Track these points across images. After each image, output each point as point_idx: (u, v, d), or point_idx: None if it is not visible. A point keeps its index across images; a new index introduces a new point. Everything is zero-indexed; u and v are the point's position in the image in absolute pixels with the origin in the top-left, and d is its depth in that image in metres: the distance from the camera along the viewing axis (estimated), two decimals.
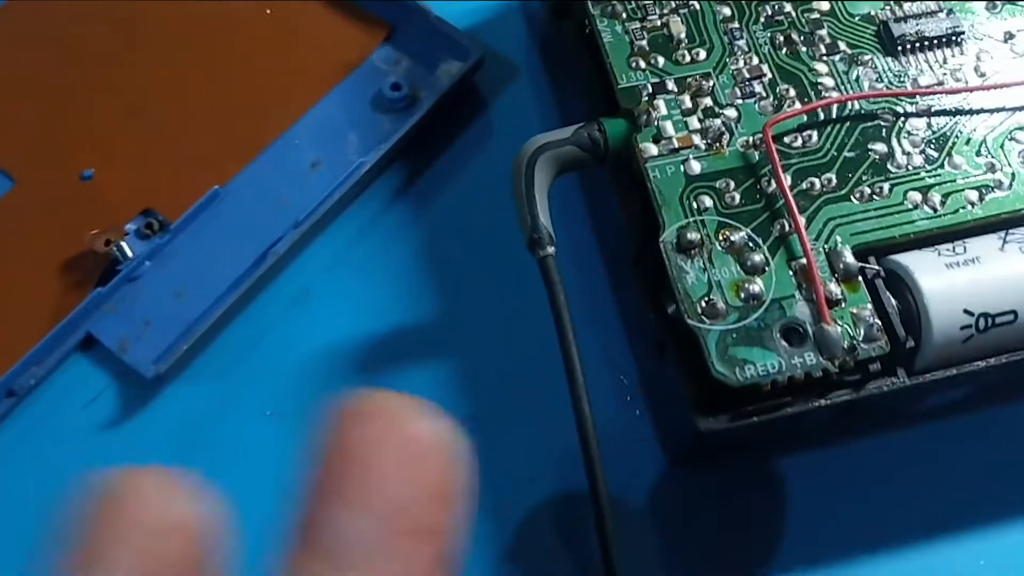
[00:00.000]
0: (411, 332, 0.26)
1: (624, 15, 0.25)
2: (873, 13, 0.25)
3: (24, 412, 0.25)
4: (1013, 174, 0.23)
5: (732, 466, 0.25)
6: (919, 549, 0.24)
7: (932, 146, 0.23)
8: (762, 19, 0.25)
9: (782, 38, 0.24)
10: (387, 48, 0.29)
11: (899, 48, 0.24)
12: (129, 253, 0.26)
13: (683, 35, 0.24)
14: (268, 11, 0.30)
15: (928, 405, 0.24)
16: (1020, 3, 0.25)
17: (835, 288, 0.21)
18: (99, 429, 0.25)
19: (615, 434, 0.24)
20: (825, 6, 0.25)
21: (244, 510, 0.23)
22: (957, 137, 0.23)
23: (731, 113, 0.23)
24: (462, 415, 0.24)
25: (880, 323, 0.21)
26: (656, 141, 0.23)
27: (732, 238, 0.22)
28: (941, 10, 0.25)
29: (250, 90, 0.29)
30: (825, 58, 0.24)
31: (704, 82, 0.24)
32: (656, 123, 0.23)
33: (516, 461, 0.25)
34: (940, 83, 0.24)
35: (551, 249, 0.22)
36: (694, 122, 0.23)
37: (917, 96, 0.24)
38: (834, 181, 0.23)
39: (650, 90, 0.24)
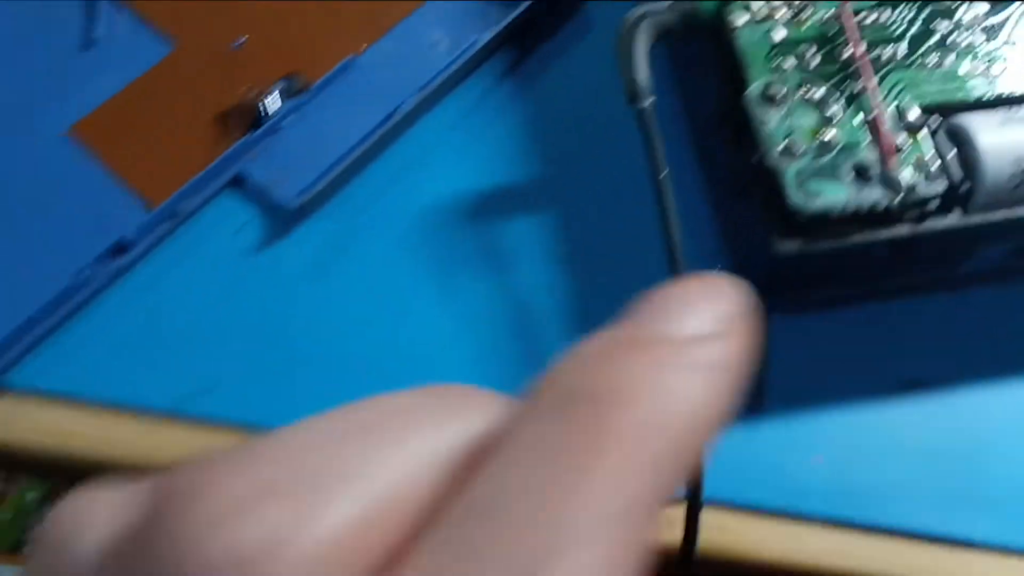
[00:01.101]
0: (517, 188, 0.29)
1: None
2: None
3: (183, 234, 0.28)
4: None
5: (796, 314, 0.27)
6: (951, 395, 0.26)
7: (991, 27, 0.25)
8: None
9: None
10: None
11: None
12: (274, 107, 0.29)
13: None
14: None
15: (976, 265, 0.26)
16: None
17: (901, 137, 0.24)
18: (246, 253, 0.28)
19: None
20: None
21: (368, 327, 0.27)
22: (1015, 18, 0.25)
23: None
24: (559, 256, 0.28)
25: (939, 167, 0.24)
26: (745, 11, 0.25)
27: (810, 94, 0.24)
28: None
29: None
30: None
31: None
32: None
33: (610, 303, 0.27)
34: None
35: (648, 101, 0.25)
36: None
37: None
38: (903, 51, 0.25)
39: None
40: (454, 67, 0.30)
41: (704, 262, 0.27)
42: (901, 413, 0.26)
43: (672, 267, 0.24)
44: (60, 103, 0.29)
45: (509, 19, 0.30)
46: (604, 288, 0.27)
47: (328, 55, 0.30)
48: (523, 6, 0.30)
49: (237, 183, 0.29)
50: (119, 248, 0.27)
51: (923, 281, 0.27)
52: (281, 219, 0.28)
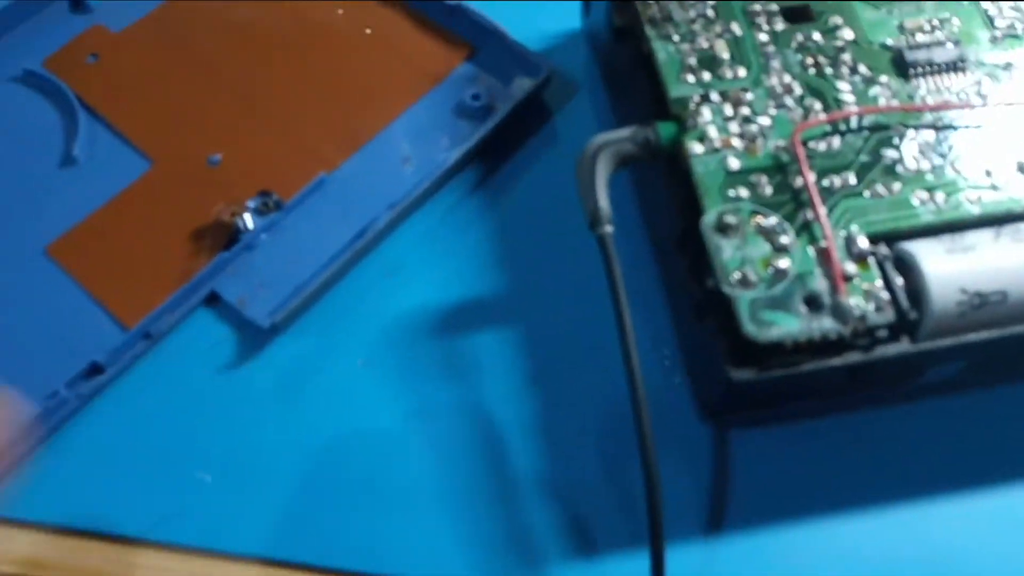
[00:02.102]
0: (484, 301, 0.29)
1: (676, 37, 0.28)
2: (890, 42, 0.28)
3: (157, 354, 0.28)
4: (1007, 179, 0.25)
5: (757, 422, 0.27)
6: (912, 506, 0.26)
7: (937, 153, 0.26)
8: (794, 44, 0.27)
9: (811, 60, 0.27)
10: (469, 64, 0.33)
11: (911, 72, 0.27)
12: (249, 225, 0.29)
13: (726, 55, 0.27)
14: (368, 30, 0.33)
15: (927, 379, 0.26)
16: (1019, 36, 0.28)
17: (850, 267, 0.24)
18: (219, 371, 0.28)
19: (656, 397, 0.26)
20: (848, 35, 0.28)
21: (337, 446, 0.27)
22: (959, 146, 0.26)
23: (765, 121, 0.26)
24: (525, 372, 0.28)
25: (888, 297, 0.24)
26: (701, 141, 0.26)
27: (763, 222, 0.25)
28: (949, 40, 0.27)
29: (352, 96, 0.32)
30: (847, 78, 0.27)
31: (743, 94, 0.27)
32: (701, 127, 0.26)
33: (569, 414, 0.27)
34: (945, 102, 0.27)
35: (609, 228, 0.25)
36: (734, 127, 0.26)
37: (925, 111, 0.26)
38: (852, 180, 0.25)
39: (697, 100, 0.27)
40: (424, 185, 0.30)
41: (664, 375, 0.28)
42: (861, 527, 0.26)
43: (631, 387, 0.24)
44: (38, 221, 0.30)
45: (477, 138, 0.31)
46: (569, 401, 0.27)
47: (300, 173, 0.30)
48: (491, 124, 0.31)
49: (211, 300, 0.29)
50: (93, 370, 0.27)
51: (878, 395, 0.27)
52: (254, 337, 0.28)
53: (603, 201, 0.26)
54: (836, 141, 0.26)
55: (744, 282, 0.24)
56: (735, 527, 0.26)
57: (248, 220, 0.29)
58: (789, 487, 0.26)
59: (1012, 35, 0.28)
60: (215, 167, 0.31)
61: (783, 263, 0.24)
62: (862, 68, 0.27)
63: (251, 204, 0.30)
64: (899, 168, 0.26)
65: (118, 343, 0.27)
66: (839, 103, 0.26)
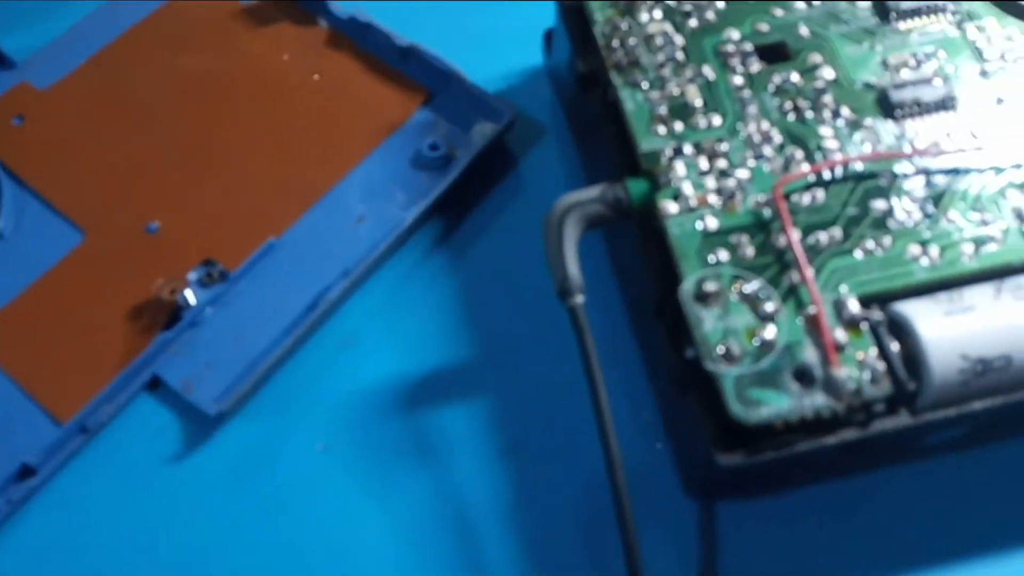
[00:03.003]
0: (449, 372, 0.27)
1: (644, 84, 0.25)
2: (874, 81, 0.25)
3: (95, 448, 0.26)
4: (1006, 228, 0.23)
5: (747, 498, 0.25)
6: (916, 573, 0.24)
7: (929, 203, 0.24)
8: (771, 87, 0.25)
9: (790, 104, 0.25)
10: (426, 111, 0.30)
11: (897, 113, 0.25)
12: (192, 300, 0.27)
13: (699, 102, 0.25)
14: (316, 76, 0.31)
15: (929, 442, 0.24)
16: (1015, 66, 0.26)
17: (841, 334, 0.22)
18: (164, 463, 0.25)
19: (636, 466, 0.24)
20: (829, 74, 0.25)
21: (291, 533, 0.25)
22: (952, 194, 0.24)
23: (744, 174, 0.24)
24: (496, 449, 0.26)
25: (884, 367, 0.22)
26: (675, 199, 0.24)
27: (746, 288, 0.23)
28: (937, 76, 0.25)
29: (301, 150, 0.30)
30: (829, 122, 0.25)
31: (719, 145, 0.24)
32: (675, 183, 0.24)
33: (545, 493, 0.25)
34: (936, 144, 0.24)
35: (580, 298, 0.23)
36: (710, 182, 0.24)
37: (915, 157, 0.24)
38: (839, 236, 0.23)
39: (669, 153, 0.24)
40: (380, 248, 0.28)
41: (645, 440, 0.26)
42: None
43: (609, 471, 0.22)
44: None
45: (436, 193, 0.28)
46: (542, 479, 0.25)
47: (246, 238, 0.28)
48: (451, 177, 0.29)
49: (154, 386, 0.27)
50: (24, 472, 0.25)
51: (872, 464, 0.25)
52: (201, 423, 0.26)
53: (573, 268, 0.23)
54: (820, 193, 0.24)
55: (728, 357, 0.22)
56: None
57: (190, 296, 0.27)
58: (782, 561, 0.24)
59: (1003, 67, 0.26)
60: (153, 235, 0.28)
61: (769, 333, 0.22)
62: (845, 111, 0.25)
63: (193, 276, 0.27)
64: (890, 221, 0.24)
65: (51, 440, 0.25)
66: (822, 151, 0.24)
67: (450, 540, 0.24)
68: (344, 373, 0.27)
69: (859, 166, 0.24)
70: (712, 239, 0.23)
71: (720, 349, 0.22)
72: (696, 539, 0.25)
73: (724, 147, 0.24)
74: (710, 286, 0.23)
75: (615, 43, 0.26)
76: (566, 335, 0.25)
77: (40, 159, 0.29)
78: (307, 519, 0.25)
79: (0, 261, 0.28)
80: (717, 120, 0.25)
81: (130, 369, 0.26)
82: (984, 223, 0.24)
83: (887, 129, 0.25)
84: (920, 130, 0.25)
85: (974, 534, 0.25)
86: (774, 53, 0.26)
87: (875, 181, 0.24)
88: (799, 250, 0.23)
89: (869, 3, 0.27)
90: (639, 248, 0.24)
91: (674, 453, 0.25)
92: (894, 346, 0.22)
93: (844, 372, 0.22)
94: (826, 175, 0.24)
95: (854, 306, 0.22)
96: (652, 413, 0.26)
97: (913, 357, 0.22)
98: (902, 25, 0.27)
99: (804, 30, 0.26)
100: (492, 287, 0.28)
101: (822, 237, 0.23)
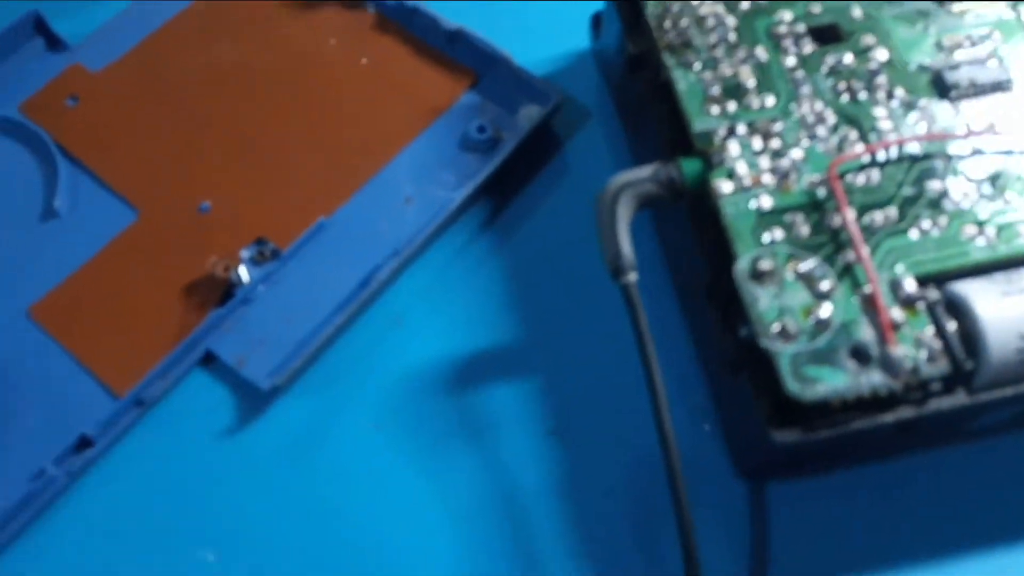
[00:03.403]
0: (496, 352, 0.27)
1: (697, 65, 0.25)
2: (928, 62, 0.25)
3: (151, 421, 0.26)
4: None
5: (800, 479, 0.25)
6: (974, 556, 0.24)
7: (985, 183, 0.24)
8: (824, 68, 0.25)
9: (843, 85, 0.25)
10: (473, 94, 0.30)
11: (952, 94, 0.25)
12: (246, 277, 0.27)
13: (752, 83, 0.25)
14: (364, 61, 0.31)
15: (983, 423, 0.24)
16: None
17: (898, 313, 0.22)
18: (217, 437, 0.26)
19: (685, 448, 0.23)
20: (883, 56, 0.25)
21: (342, 508, 0.25)
22: (1008, 175, 0.24)
23: (798, 154, 0.24)
24: (543, 429, 0.26)
25: (940, 346, 0.22)
26: (729, 178, 0.24)
27: (801, 267, 0.22)
28: (993, 57, 0.25)
29: (350, 132, 0.30)
30: (884, 103, 0.25)
31: (772, 125, 0.24)
32: (729, 163, 0.24)
33: (594, 473, 0.25)
34: (991, 125, 0.24)
35: (634, 276, 0.23)
36: (764, 162, 0.24)
37: (970, 137, 0.24)
38: (895, 216, 0.23)
39: (723, 133, 0.24)
40: (429, 227, 0.28)
41: (693, 423, 0.25)
42: None
43: (664, 449, 0.22)
44: (18, 280, 0.27)
45: (484, 174, 0.28)
46: (590, 459, 0.25)
47: (297, 218, 0.28)
48: (498, 158, 0.29)
49: (208, 361, 0.27)
50: (82, 444, 0.25)
51: (925, 444, 0.25)
52: (253, 398, 0.26)
53: (626, 247, 0.23)
54: (875, 174, 0.24)
55: (784, 335, 0.22)
56: None
57: (243, 272, 0.27)
58: (834, 543, 0.24)
59: None
60: (206, 215, 0.28)
61: (825, 312, 0.22)
62: (899, 92, 0.25)
63: (246, 254, 0.27)
64: (945, 201, 0.23)
65: (108, 413, 0.25)
66: (876, 132, 0.24)
67: (499, 518, 0.25)
68: (393, 352, 0.27)
69: (914, 147, 0.24)
70: (766, 218, 0.23)
71: (776, 327, 0.22)
72: (746, 521, 0.24)
73: (778, 127, 0.24)
74: (765, 264, 0.22)
75: (667, 24, 0.26)
76: (612, 316, 0.25)
77: (94, 139, 0.30)
78: (357, 494, 0.25)
79: (56, 238, 0.28)
80: (770, 100, 0.25)
81: (184, 344, 0.26)
82: None
83: (942, 110, 0.25)
84: (975, 111, 0.25)
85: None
86: (827, 34, 0.26)
87: (930, 162, 0.24)
88: (855, 229, 0.23)
89: None
90: (691, 229, 0.24)
91: (725, 435, 0.25)
92: (951, 325, 0.22)
93: (901, 350, 0.21)
94: (881, 156, 0.24)
95: (910, 285, 0.22)
96: (701, 397, 0.26)
97: (970, 336, 0.22)
98: (956, 7, 0.26)
99: (857, 12, 0.26)
100: (538, 269, 0.28)
101: (877, 217, 0.23)
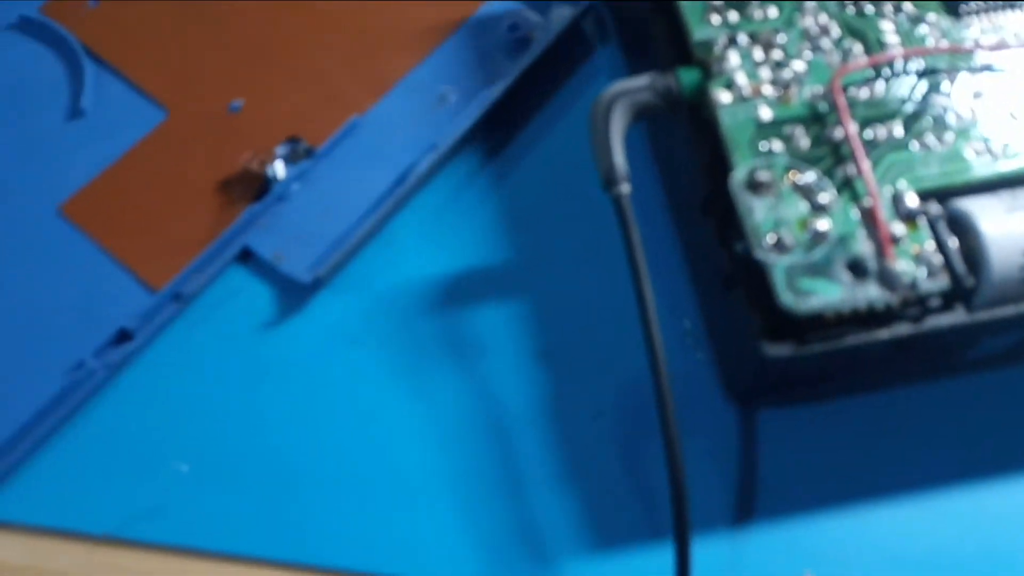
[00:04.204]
0: (491, 272, 0.19)
1: None
2: None
3: (190, 316, 0.19)
4: None
5: (788, 404, 0.17)
6: (959, 492, 0.16)
7: (991, 99, 0.16)
8: None
9: None
10: None
11: (962, 9, 0.17)
12: (281, 173, 0.19)
13: None
14: None
15: (981, 351, 0.17)
16: None
17: (898, 227, 0.15)
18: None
19: (676, 374, 0.16)
20: None
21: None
22: (1016, 92, 0.16)
23: (800, 66, 0.16)
24: (532, 351, 0.18)
25: (940, 261, 0.14)
26: (728, 88, 0.16)
27: (799, 179, 0.15)
28: None
29: (379, 32, 0.22)
30: (890, 16, 0.17)
31: (775, 36, 0.17)
32: (728, 73, 0.16)
33: (583, 396, 0.18)
34: (1001, 41, 0.16)
35: (627, 187, 0.16)
36: (764, 72, 0.16)
37: (978, 51, 0.16)
38: (897, 130, 0.16)
39: (723, 43, 0.17)
40: (466, 124, 0.20)
41: (685, 350, 0.18)
42: (904, 516, 0.16)
43: (652, 366, 0.15)
44: (48, 179, 0.20)
45: (519, 70, 0.20)
46: (578, 382, 0.17)
47: (329, 117, 0.20)
48: (532, 55, 0.20)
49: (245, 258, 0.19)
50: (121, 337, 0.18)
51: (921, 371, 0.17)
52: (291, 293, 0.19)
53: (619, 158, 0.16)
54: (880, 87, 0.16)
55: (779, 246, 0.15)
56: (765, 517, 0.16)
57: (279, 168, 0.20)
58: (823, 472, 0.17)
59: None
60: (236, 114, 0.21)
61: (822, 224, 0.15)
62: (907, 6, 0.17)
63: (280, 152, 0.20)
64: (950, 117, 0.16)
65: (146, 306, 0.18)
66: (882, 45, 0.16)
67: (485, 439, 0.17)
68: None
69: (920, 61, 0.16)
70: (765, 129, 0.16)
71: (771, 238, 0.15)
72: (735, 448, 0.17)
73: (780, 38, 0.17)
74: (762, 176, 0.15)
75: None
76: (607, 242, 0.17)
77: (118, 39, 0.22)
78: (342, 409, 0.17)
79: (84, 138, 0.20)
80: (773, 11, 0.17)
81: (221, 240, 0.19)
82: None
83: (951, 25, 0.17)
84: (985, 28, 0.17)
85: (1015, 451, 0.17)
86: None
87: (936, 77, 0.16)
88: (856, 142, 0.15)
89: None
90: (688, 141, 0.17)
91: (716, 355, 0.18)
92: (952, 242, 0.15)
93: (900, 265, 0.14)
94: (885, 71, 0.16)
95: (912, 200, 0.15)
96: (693, 321, 0.18)
97: (973, 253, 0.15)
98: None
99: None
100: (539, 198, 0.20)
101: (880, 131, 0.16)
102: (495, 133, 0.21)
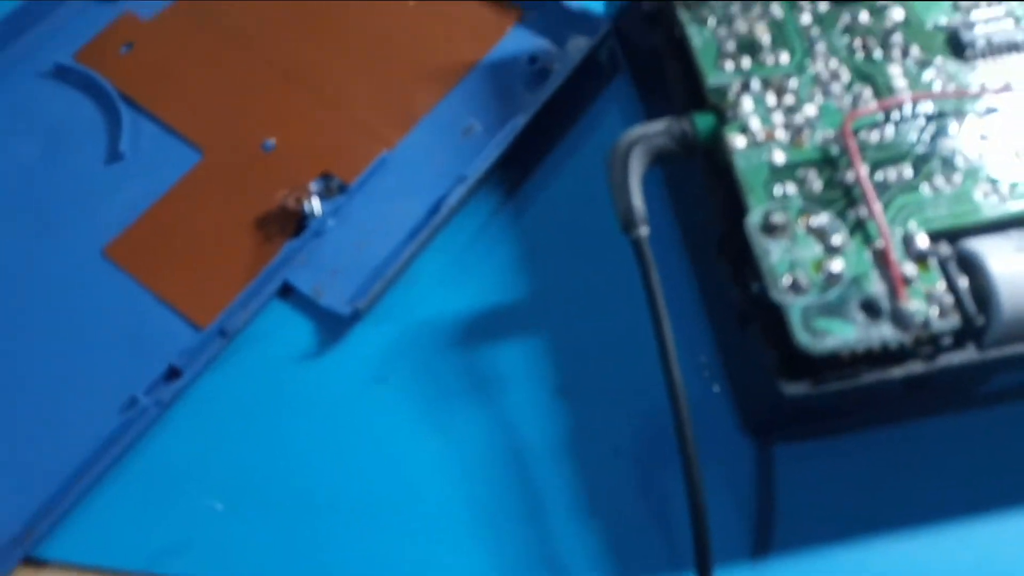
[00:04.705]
0: (509, 309, 0.19)
1: (712, 21, 0.18)
2: (944, 22, 0.17)
3: (235, 351, 0.19)
4: None
5: (803, 439, 0.17)
6: (977, 524, 0.16)
7: (999, 141, 0.16)
8: (840, 26, 0.18)
9: (859, 42, 0.17)
10: (520, 29, 0.22)
11: (968, 53, 0.17)
12: (318, 209, 0.20)
13: (767, 39, 0.18)
14: (411, 1, 0.23)
15: (994, 386, 0.17)
16: None
17: (909, 268, 0.15)
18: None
19: (693, 408, 0.16)
20: (899, 15, 0.18)
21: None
22: (1022, 132, 0.16)
23: (811, 110, 0.17)
24: (552, 387, 0.18)
25: (952, 301, 0.15)
26: (743, 133, 0.16)
27: (813, 222, 0.16)
28: (1008, 17, 0.17)
29: (403, 68, 0.22)
30: (899, 61, 0.17)
31: (787, 81, 0.17)
32: (742, 118, 0.17)
33: (601, 433, 0.18)
34: (1007, 85, 0.17)
35: (645, 230, 0.16)
36: (778, 117, 0.17)
37: (985, 96, 0.17)
38: (908, 172, 0.16)
39: (737, 88, 0.17)
40: (494, 153, 0.20)
41: (702, 384, 0.18)
42: (916, 550, 0.16)
43: (673, 402, 0.15)
44: (90, 222, 0.20)
45: (542, 100, 0.20)
46: (597, 418, 0.17)
47: (359, 153, 0.21)
48: (554, 84, 0.20)
49: (285, 293, 0.19)
50: (171, 374, 0.18)
51: (934, 406, 0.18)
52: (331, 326, 0.19)
53: (637, 201, 0.16)
54: (889, 131, 0.16)
55: (795, 287, 0.15)
56: (783, 551, 0.16)
57: (316, 203, 0.20)
58: (840, 506, 0.17)
59: None
60: (270, 152, 0.21)
61: (836, 266, 0.15)
62: (914, 50, 0.17)
63: (314, 188, 0.20)
64: (958, 159, 0.16)
65: (193, 343, 0.18)
66: (890, 89, 0.17)
67: (505, 473, 0.17)
68: (404, 308, 0.19)
69: (928, 104, 0.17)
70: (779, 173, 0.16)
71: (786, 280, 0.15)
72: (750, 481, 0.17)
73: (792, 84, 0.17)
74: (777, 218, 0.16)
75: None
76: (622, 278, 0.18)
77: (152, 84, 0.22)
78: (364, 446, 0.17)
79: (123, 180, 0.21)
80: (785, 57, 0.17)
81: (262, 276, 0.19)
82: None
83: (957, 69, 0.17)
84: (991, 71, 0.17)
85: None
86: None
87: (944, 120, 0.17)
88: (867, 185, 0.16)
89: None
90: (703, 185, 0.17)
91: (732, 392, 0.18)
92: (963, 281, 0.15)
93: (912, 304, 0.15)
94: (895, 114, 0.17)
95: (922, 241, 0.15)
96: (708, 356, 0.18)
97: (982, 291, 0.15)
98: None
99: None
100: (556, 236, 0.20)
101: (890, 173, 0.16)
102: (512, 170, 0.21)
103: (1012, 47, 0.17)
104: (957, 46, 0.17)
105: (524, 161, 0.21)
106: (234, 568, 0.16)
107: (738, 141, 0.16)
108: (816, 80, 0.17)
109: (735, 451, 0.17)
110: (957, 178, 0.16)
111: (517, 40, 0.22)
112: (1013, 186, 0.16)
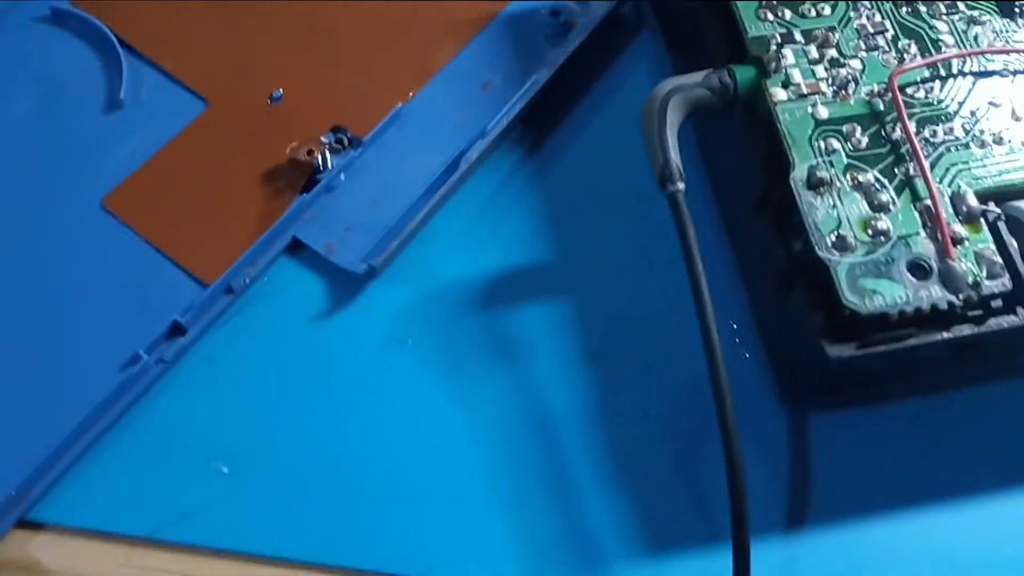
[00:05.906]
0: (534, 271, 0.17)
1: None
2: None
3: (242, 308, 0.17)
4: None
5: (842, 407, 0.16)
6: (1015, 493, 0.15)
7: None
8: None
9: None
10: None
11: (1016, 10, 0.16)
12: (329, 163, 0.18)
13: None
14: None
15: None
16: None
17: (959, 228, 0.14)
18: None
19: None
20: None
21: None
22: None
23: (855, 64, 0.16)
24: (582, 351, 0.16)
25: (1002, 262, 0.14)
26: (785, 87, 0.15)
27: (860, 178, 0.15)
28: None
29: (419, 20, 0.20)
30: (944, 17, 0.16)
31: (830, 34, 0.16)
32: (784, 70, 0.15)
33: (631, 396, 0.16)
34: None
35: (681, 185, 0.15)
36: (820, 71, 0.16)
37: None
38: (955, 130, 0.15)
39: (778, 39, 0.16)
40: (515, 108, 0.18)
41: (733, 350, 0.16)
42: (960, 520, 0.15)
43: (710, 363, 0.13)
44: (89, 172, 0.18)
45: (562, 58, 0.19)
46: (626, 384, 0.16)
47: (372, 106, 0.19)
48: (575, 42, 0.19)
49: (294, 249, 0.18)
50: (174, 331, 0.17)
51: (974, 374, 0.17)
52: (342, 284, 0.17)
53: (673, 154, 0.15)
54: (936, 87, 0.15)
55: (841, 246, 0.14)
56: (820, 522, 0.15)
57: (327, 158, 0.18)
58: (878, 477, 0.16)
59: None
60: (277, 104, 0.19)
61: (884, 224, 0.14)
62: (961, 6, 0.16)
63: (326, 141, 0.19)
64: (1007, 116, 0.15)
65: (198, 301, 0.17)
66: (937, 45, 0.16)
67: (532, 441, 0.16)
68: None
69: (976, 61, 0.16)
70: (823, 128, 0.15)
71: (832, 237, 0.14)
72: (784, 451, 0.16)
73: (835, 36, 0.16)
74: (823, 173, 0.15)
75: None
76: (653, 239, 0.16)
77: (153, 30, 0.20)
78: (381, 411, 0.16)
79: (123, 130, 0.19)
80: (827, 9, 0.16)
81: (270, 232, 0.18)
82: None
83: (1004, 26, 0.16)
84: None
85: None
86: None
87: (992, 77, 0.16)
88: (915, 142, 0.15)
89: None
90: (742, 139, 0.16)
91: (768, 357, 0.17)
92: (1013, 243, 0.14)
93: (961, 265, 0.14)
94: (942, 70, 0.16)
95: (972, 200, 0.14)
96: (740, 321, 0.17)
97: None
98: None
99: None
100: (583, 191, 0.18)
101: (938, 131, 0.15)
102: (534, 126, 0.20)
103: None
104: (1006, 3, 0.16)
105: (545, 118, 0.20)
106: (240, 534, 0.15)
107: (780, 94, 0.15)
108: (860, 33, 0.16)
109: (767, 420, 0.16)
110: (1006, 137, 0.15)
111: None
112: None
